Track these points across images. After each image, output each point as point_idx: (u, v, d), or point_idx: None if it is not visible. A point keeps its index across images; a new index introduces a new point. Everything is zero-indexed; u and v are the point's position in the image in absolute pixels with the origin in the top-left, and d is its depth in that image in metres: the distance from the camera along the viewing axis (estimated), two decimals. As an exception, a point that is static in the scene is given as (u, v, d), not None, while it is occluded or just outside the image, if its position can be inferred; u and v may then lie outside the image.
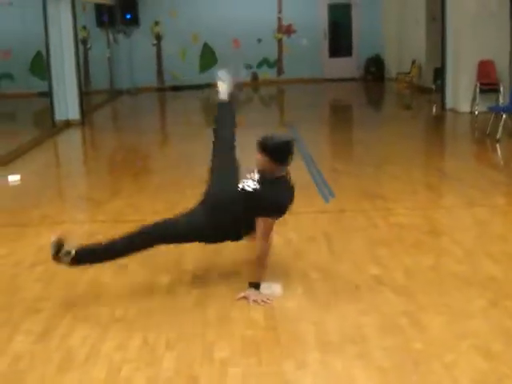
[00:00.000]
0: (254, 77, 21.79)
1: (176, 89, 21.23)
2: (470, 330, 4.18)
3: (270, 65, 21.95)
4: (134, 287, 5.09)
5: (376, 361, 3.83)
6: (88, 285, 5.18)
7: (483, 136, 11.08)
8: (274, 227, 4.87)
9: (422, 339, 4.06)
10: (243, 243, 5.29)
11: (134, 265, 5.52)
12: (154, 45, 21.60)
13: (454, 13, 13.82)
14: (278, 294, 4.87)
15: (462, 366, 3.75)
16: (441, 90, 14.50)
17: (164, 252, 5.81)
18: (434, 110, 14.37)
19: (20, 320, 4.57)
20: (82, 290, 5.07)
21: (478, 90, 13.25)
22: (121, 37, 21.00)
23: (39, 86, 14.89)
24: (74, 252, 4.69)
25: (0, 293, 5.13)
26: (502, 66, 13.30)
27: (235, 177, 5.14)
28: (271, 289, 4.92)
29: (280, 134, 5.25)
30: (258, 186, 4.81)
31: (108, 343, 4.17)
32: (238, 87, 5.79)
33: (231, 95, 5.66)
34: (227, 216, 4.85)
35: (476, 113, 13.16)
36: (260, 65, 21.87)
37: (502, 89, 13.05)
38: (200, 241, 5.05)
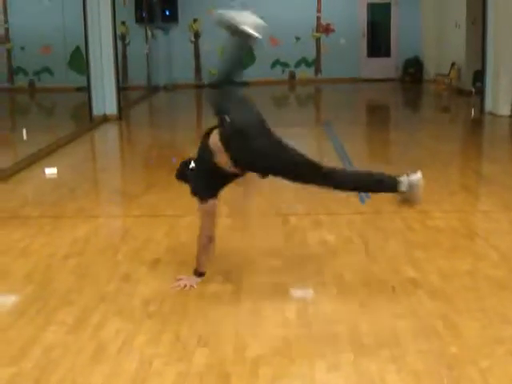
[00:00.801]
0: (292, 75, 21.74)
1: (213, 86, 21.24)
2: (507, 335, 4.11)
3: (308, 64, 21.89)
4: (167, 283, 5.07)
5: (410, 364, 3.77)
6: (121, 279, 5.18)
7: (522, 140, 10.96)
8: None
9: (458, 344, 4.00)
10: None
11: (167, 261, 5.54)
12: (192, 42, 21.65)
13: (495, 15, 13.66)
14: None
15: (497, 372, 3.68)
16: (480, 92, 14.35)
17: (196, 249, 5.82)
18: (473, 112, 14.22)
19: (53, 311, 4.58)
20: (115, 284, 5.07)
21: (518, 93, 13.12)
22: (159, 33, 21.06)
23: (77, 80, 15.04)
24: None
25: (34, 283, 5.15)
26: (543, 69, 13.15)
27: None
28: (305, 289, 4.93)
29: None
30: None
31: (140, 337, 4.17)
32: None
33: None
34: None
35: (516, 117, 13.04)
36: (298, 64, 21.82)
37: (542, 93, 12.90)
38: None
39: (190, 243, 5.96)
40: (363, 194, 7.50)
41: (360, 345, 4.01)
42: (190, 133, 13.30)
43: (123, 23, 17.52)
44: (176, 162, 10.25)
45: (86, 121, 13.76)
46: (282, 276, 5.19)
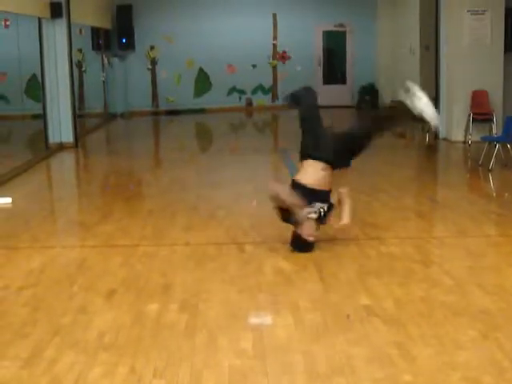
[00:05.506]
0: (249, 103, 21.84)
1: (170, 113, 21.28)
2: (461, 361, 4.15)
3: (265, 91, 22.01)
4: (123, 314, 5.05)
5: (365, 392, 3.79)
6: (76, 311, 5.13)
7: (476, 165, 11.11)
8: None
9: (412, 371, 4.03)
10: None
11: (123, 292, 5.51)
12: (148, 69, 21.65)
13: (448, 42, 13.90)
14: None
15: (451, 398, 3.72)
16: (434, 118, 14.52)
17: (152, 278, 5.82)
18: (428, 138, 14.38)
19: (7, 345, 4.52)
20: (70, 316, 5.02)
21: (471, 119, 13.30)
22: (116, 60, 21.03)
23: (34, 108, 14.90)
24: None
25: (-13, 317, 5.08)
26: (495, 96, 13.37)
27: None
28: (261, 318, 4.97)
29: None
30: None
31: (95, 370, 4.13)
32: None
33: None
34: None
35: (469, 142, 13.22)
36: (255, 91, 21.93)
37: (495, 119, 13.10)
38: None
39: (145, 273, 5.97)
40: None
41: (315, 373, 4.02)
42: (146, 160, 13.30)
43: (79, 50, 17.47)
44: (133, 189, 10.29)
45: (42, 149, 13.66)
46: (238, 305, 5.20)
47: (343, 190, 6.60)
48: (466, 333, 4.56)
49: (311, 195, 6.31)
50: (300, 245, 6.39)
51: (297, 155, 6.77)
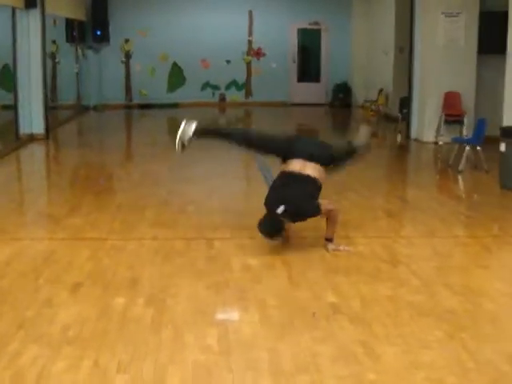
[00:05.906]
0: (222, 98, 21.81)
1: (144, 107, 21.19)
2: (425, 361, 4.17)
3: (239, 87, 21.99)
4: (89, 307, 5.02)
5: (329, 391, 3.80)
6: (41, 304, 5.09)
7: (446, 166, 11.17)
8: None
9: (376, 369, 4.04)
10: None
11: (89, 285, 5.48)
12: (122, 62, 21.54)
13: (422, 44, 13.96)
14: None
15: (414, 398, 3.74)
16: (406, 119, 14.60)
17: (120, 272, 5.79)
18: (399, 138, 14.46)
19: (-30, 337, 4.48)
20: (35, 309, 4.98)
21: (442, 120, 13.38)
22: (90, 53, 20.91)
23: (5, 98, 14.76)
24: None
25: (-49, 308, 5.03)
26: (467, 97, 13.44)
27: None
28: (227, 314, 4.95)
29: None
30: None
31: (59, 364, 4.10)
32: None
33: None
34: None
35: (440, 143, 13.29)
36: (228, 86, 21.90)
37: (466, 121, 13.19)
38: None
39: (112, 266, 5.94)
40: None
41: (280, 370, 4.02)
42: (118, 154, 13.22)
43: (53, 42, 17.34)
44: (104, 183, 10.23)
45: (12, 140, 13.53)
46: (205, 301, 5.19)
47: (333, 207, 6.51)
48: (431, 333, 4.59)
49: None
50: (272, 226, 6.24)
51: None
